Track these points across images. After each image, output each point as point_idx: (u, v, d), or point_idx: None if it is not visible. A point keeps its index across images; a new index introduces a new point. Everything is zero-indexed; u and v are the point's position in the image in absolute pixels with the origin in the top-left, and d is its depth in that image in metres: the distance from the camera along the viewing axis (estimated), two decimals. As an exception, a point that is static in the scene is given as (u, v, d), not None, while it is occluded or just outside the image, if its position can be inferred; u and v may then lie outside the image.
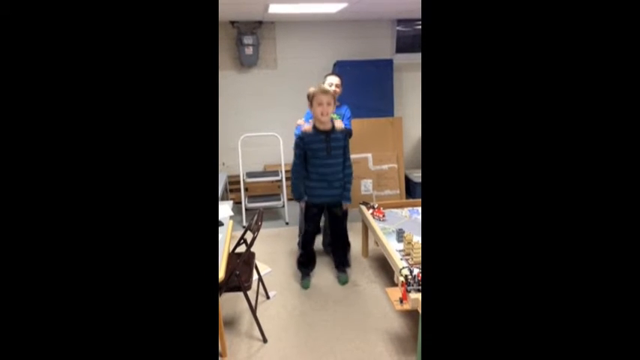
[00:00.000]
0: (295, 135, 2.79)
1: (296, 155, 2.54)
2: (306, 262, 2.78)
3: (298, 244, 2.83)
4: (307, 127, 2.51)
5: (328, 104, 2.40)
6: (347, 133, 2.59)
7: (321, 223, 2.91)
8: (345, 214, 2.68)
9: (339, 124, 2.54)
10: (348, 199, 2.64)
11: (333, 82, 2.90)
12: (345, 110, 2.99)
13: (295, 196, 2.62)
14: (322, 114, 2.40)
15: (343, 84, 2.95)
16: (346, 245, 2.81)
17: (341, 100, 2.96)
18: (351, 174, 2.62)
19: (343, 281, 2.76)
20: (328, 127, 2.48)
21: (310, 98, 2.49)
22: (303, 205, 2.62)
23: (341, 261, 2.82)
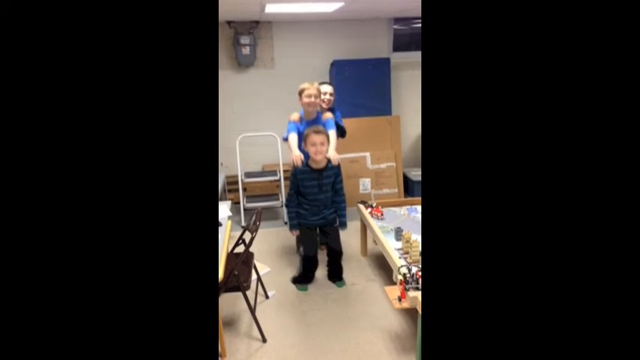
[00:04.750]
0: (287, 131, 2.81)
1: (291, 187, 2.62)
2: (303, 281, 2.77)
3: (299, 268, 2.81)
4: (297, 157, 2.55)
5: (322, 144, 2.44)
6: (339, 168, 2.64)
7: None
8: (337, 232, 2.71)
9: (335, 159, 2.57)
10: (344, 224, 2.68)
11: (327, 90, 3.00)
12: (337, 115, 3.07)
13: (290, 225, 2.67)
14: (316, 154, 2.45)
15: (336, 91, 3.10)
16: (339, 255, 2.77)
17: (338, 100, 3.03)
18: (343, 201, 2.66)
19: (340, 285, 2.75)
20: (322, 165, 2.52)
21: (301, 92, 2.73)
22: (296, 233, 2.68)
23: (335, 274, 2.80)
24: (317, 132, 2.46)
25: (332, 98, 3.02)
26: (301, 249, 2.74)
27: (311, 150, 2.46)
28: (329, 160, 2.54)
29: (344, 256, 2.81)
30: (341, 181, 2.65)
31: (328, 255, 2.78)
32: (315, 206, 2.59)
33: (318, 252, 2.77)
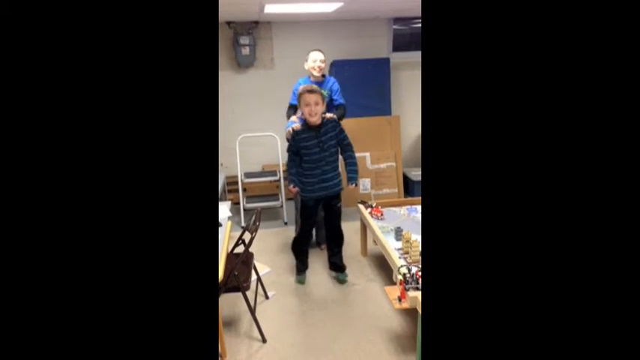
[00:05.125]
0: (286, 127, 2.79)
1: (289, 149, 2.57)
2: (301, 257, 2.78)
3: (294, 239, 2.82)
4: (297, 125, 2.52)
5: (316, 104, 2.39)
6: (339, 115, 2.57)
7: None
8: (339, 209, 2.68)
9: (329, 114, 2.55)
10: (354, 179, 2.61)
11: (317, 58, 2.92)
12: (333, 83, 2.99)
13: (289, 182, 2.63)
14: (310, 114, 2.40)
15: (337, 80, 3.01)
16: (340, 239, 2.77)
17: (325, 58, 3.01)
18: (352, 154, 2.60)
19: (342, 279, 2.75)
20: (318, 122, 2.47)
21: (298, 100, 2.64)
22: (295, 190, 2.60)
23: (335, 262, 2.79)
24: (311, 91, 2.40)
25: (323, 65, 2.96)
26: (297, 226, 2.74)
27: (305, 110, 2.41)
28: (324, 118, 2.49)
29: (344, 257, 2.81)
30: (346, 136, 2.57)
31: (327, 232, 2.76)
32: (318, 168, 2.50)
33: (319, 254, 2.78)
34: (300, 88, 2.48)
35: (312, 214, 2.67)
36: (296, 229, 2.75)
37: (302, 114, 2.53)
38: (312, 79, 2.94)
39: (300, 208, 2.66)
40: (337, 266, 2.80)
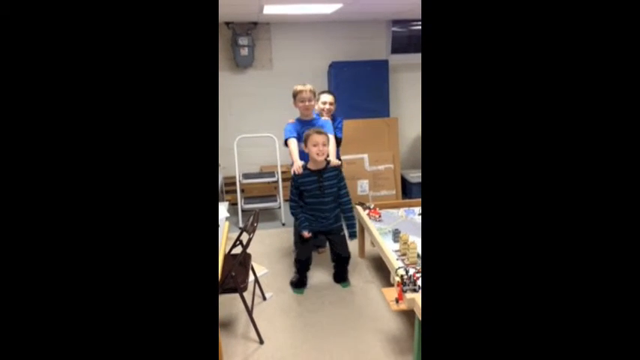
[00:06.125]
0: (285, 133, 2.77)
1: (291, 192, 2.59)
2: (297, 285, 2.76)
3: (295, 264, 2.79)
4: (298, 167, 2.51)
5: (323, 144, 2.41)
6: (340, 169, 2.58)
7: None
8: (342, 237, 2.68)
9: (334, 161, 2.56)
10: (354, 234, 2.66)
11: (327, 100, 2.93)
12: (339, 122, 3.00)
13: (300, 228, 2.62)
14: (318, 154, 2.41)
15: (337, 101, 2.99)
16: (346, 262, 2.76)
17: (336, 99, 3.00)
18: (351, 209, 2.64)
19: (345, 286, 2.76)
20: (322, 166, 2.49)
21: (295, 95, 2.68)
22: (307, 235, 2.60)
23: (341, 277, 2.80)
24: (319, 132, 2.43)
25: (332, 107, 2.95)
26: (296, 252, 2.72)
27: (312, 150, 2.41)
28: (328, 162, 2.51)
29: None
30: (345, 187, 2.60)
31: (335, 260, 2.77)
32: (318, 210, 2.54)
33: (318, 255, 2.76)
34: (309, 130, 2.49)
35: (309, 241, 2.67)
36: (294, 241, 2.74)
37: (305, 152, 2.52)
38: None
39: (299, 236, 2.66)
40: (340, 279, 2.80)
